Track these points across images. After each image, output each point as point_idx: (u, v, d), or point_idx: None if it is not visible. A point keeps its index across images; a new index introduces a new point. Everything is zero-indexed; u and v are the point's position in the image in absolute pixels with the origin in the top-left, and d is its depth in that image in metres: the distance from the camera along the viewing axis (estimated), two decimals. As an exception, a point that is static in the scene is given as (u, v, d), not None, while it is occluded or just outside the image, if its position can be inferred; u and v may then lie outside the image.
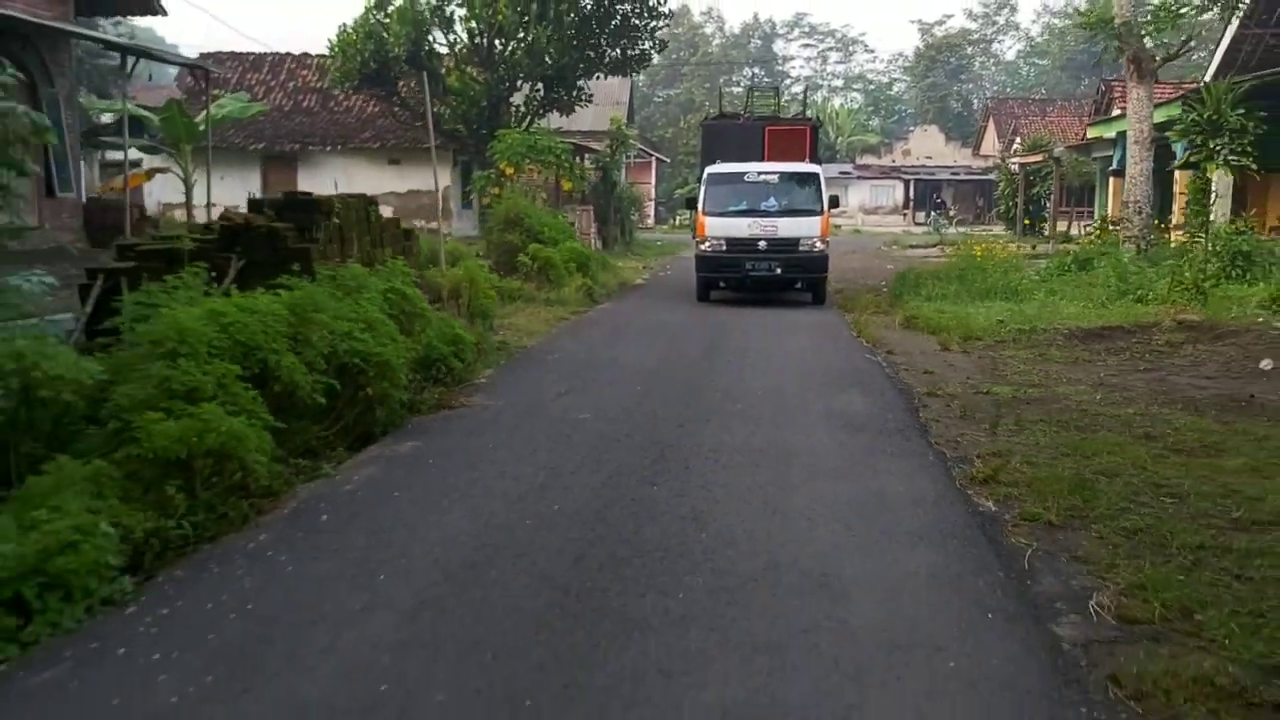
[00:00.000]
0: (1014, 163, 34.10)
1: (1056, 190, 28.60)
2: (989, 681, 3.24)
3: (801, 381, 8.80)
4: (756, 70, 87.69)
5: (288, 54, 29.83)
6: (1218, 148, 13.07)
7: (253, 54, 30.02)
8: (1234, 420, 7.06)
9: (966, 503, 5.15)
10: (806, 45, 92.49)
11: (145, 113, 17.54)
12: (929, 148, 53.79)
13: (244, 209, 8.49)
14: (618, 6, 20.92)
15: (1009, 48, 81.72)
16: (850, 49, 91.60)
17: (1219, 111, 13.17)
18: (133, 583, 3.94)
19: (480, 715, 3.00)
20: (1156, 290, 13.77)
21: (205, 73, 16.78)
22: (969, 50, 77.38)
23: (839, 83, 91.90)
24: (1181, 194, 18.70)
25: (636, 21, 21.59)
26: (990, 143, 49.35)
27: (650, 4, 21.47)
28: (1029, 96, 55.38)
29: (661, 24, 22.42)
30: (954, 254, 19.27)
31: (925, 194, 50.33)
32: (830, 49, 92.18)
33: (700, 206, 15.45)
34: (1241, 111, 13.75)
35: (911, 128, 64.96)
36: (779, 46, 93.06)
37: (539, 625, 3.59)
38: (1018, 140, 41.53)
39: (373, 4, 20.17)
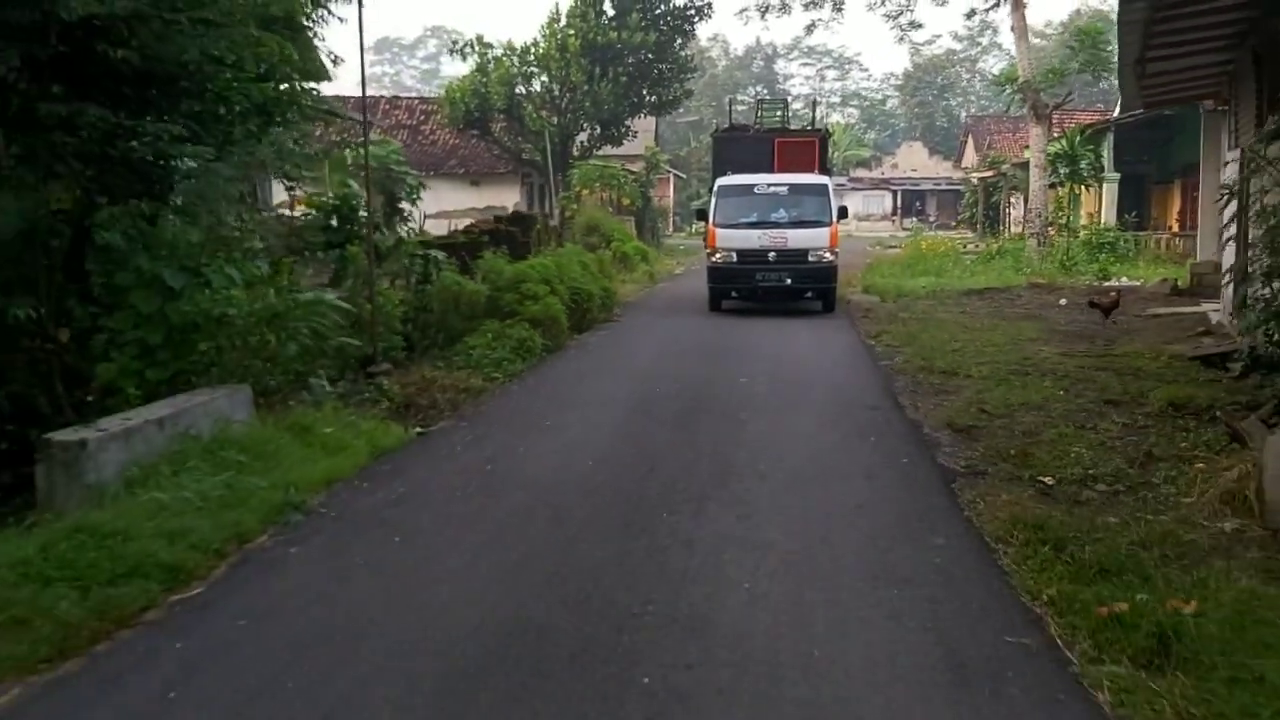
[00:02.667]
0: (975, 177, 40.82)
1: (1005, 199, 35.31)
2: (855, 368, 9.97)
3: (796, 313, 15.57)
4: (760, 88, 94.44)
5: (382, 96, 36.68)
6: (1071, 172, 19.79)
7: (353, 97, 36.86)
8: (1015, 321, 13.72)
9: (863, 343, 11.91)
10: (806, 64, 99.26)
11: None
12: (914, 161, 60.54)
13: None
14: (657, 66, 27.75)
15: (993, 65, 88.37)
16: (846, 68, 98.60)
17: (1073, 147, 19.87)
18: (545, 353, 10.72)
19: (690, 369, 9.74)
20: (1036, 268, 20.50)
21: (369, 123, 23.55)
22: (955, 69, 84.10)
23: (836, 99, 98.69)
24: (1089, 208, 25.46)
25: (670, 76, 28.43)
26: (970, 157, 56.00)
27: (680, 64, 28.36)
28: (1004, 115, 61.96)
29: (689, 77, 29.24)
30: (909, 248, 25.99)
31: (910, 203, 57.07)
32: (828, 68, 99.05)
33: (711, 218, 15.71)
34: (1091, 146, 20.48)
35: (902, 142, 71.76)
36: (780, 66, 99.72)
37: (699, 361, 10.36)
38: (992, 155, 48.16)
39: (476, 69, 27.01)
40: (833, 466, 6.27)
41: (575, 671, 3.44)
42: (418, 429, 7.31)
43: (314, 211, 11.23)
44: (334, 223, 11.00)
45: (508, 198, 32.85)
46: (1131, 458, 6.37)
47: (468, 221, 19.01)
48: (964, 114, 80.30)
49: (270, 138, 9.38)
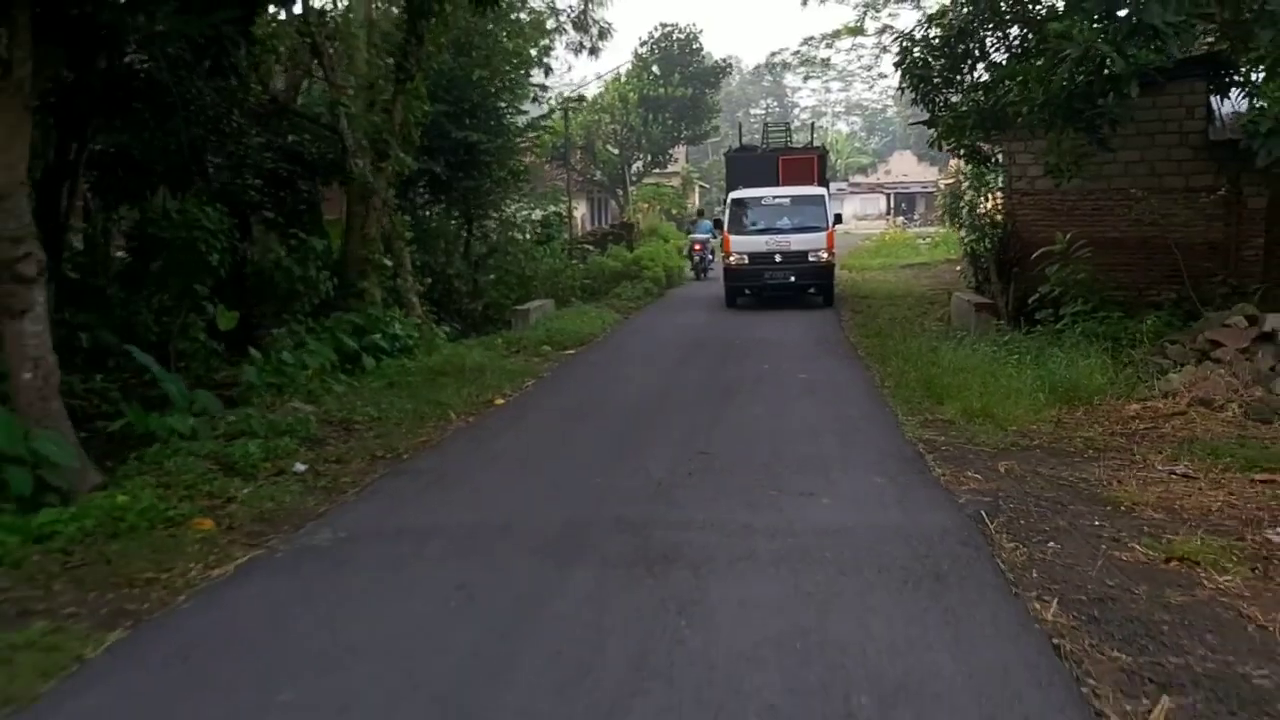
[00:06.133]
0: (943, 182, 50.26)
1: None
2: (824, 319, 19.63)
3: (792, 280, 25.32)
4: (770, 101, 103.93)
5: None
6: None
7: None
8: (919, 279, 23.32)
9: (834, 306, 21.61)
10: (812, 77, 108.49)
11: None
12: (905, 168, 70.00)
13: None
14: (692, 110, 37.51)
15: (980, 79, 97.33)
16: (849, 80, 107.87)
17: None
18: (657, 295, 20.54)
19: (727, 327, 19.46)
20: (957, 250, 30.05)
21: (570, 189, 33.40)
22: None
23: (841, 109, 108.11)
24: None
25: (702, 116, 38.18)
26: (954, 163, 65.35)
27: (710, 107, 38.13)
28: (982, 125, 71.29)
29: (716, 116, 38.97)
30: (877, 239, 35.65)
31: (900, 204, 66.57)
32: (832, 79, 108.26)
33: (725, 227, 18.07)
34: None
35: (896, 149, 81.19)
36: (788, 80, 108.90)
37: (749, 314, 20.09)
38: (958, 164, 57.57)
39: (561, 117, 36.76)
40: (795, 321, 15.96)
41: (711, 355, 13.22)
42: (622, 316, 17.08)
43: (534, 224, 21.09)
44: (542, 230, 20.85)
45: (575, 209, 42.64)
46: (918, 315, 16.02)
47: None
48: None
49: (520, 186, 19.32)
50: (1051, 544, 4.85)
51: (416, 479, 6.52)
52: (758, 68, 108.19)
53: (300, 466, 6.65)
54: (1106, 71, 9.09)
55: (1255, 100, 9.41)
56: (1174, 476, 6.12)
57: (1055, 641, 3.71)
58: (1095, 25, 9.17)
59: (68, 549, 5.02)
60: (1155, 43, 8.89)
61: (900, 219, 61.77)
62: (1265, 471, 6.08)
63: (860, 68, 37.27)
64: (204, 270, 10.46)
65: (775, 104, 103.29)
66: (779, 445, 7.11)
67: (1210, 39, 12.26)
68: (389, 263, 11.98)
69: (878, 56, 38.57)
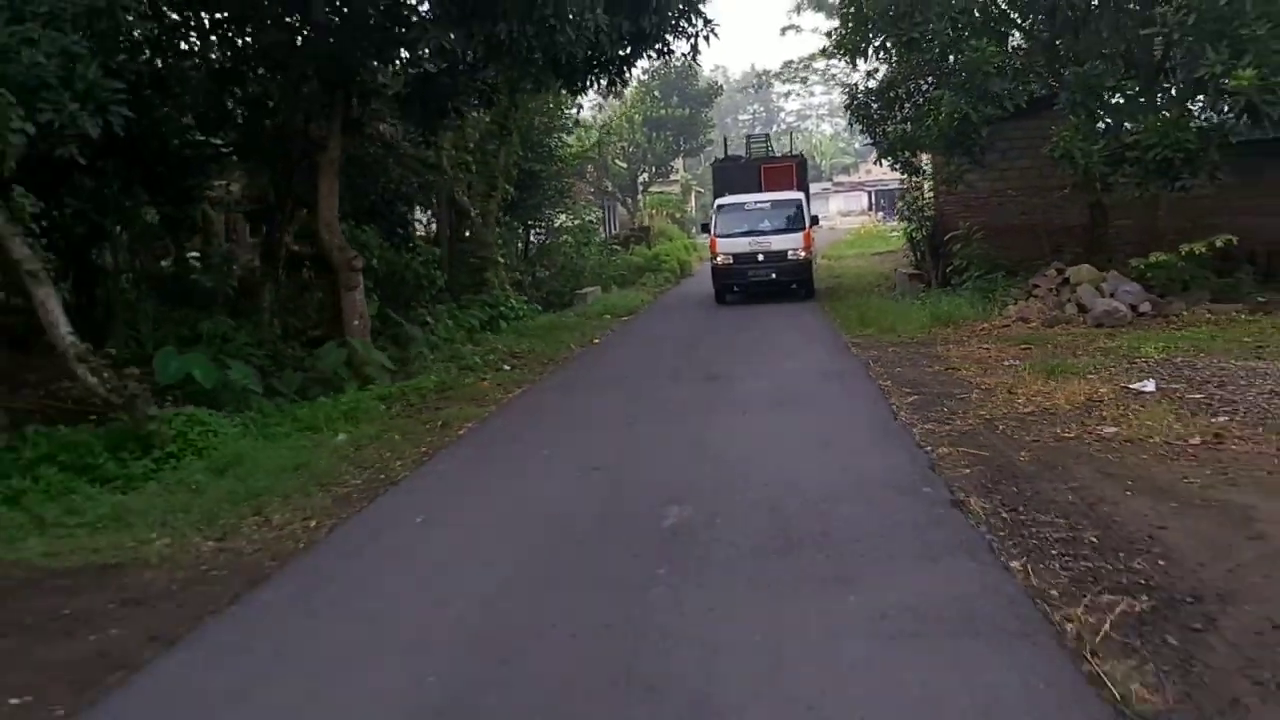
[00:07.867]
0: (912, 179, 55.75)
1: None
2: (802, 303, 25.15)
3: (781, 268, 30.85)
4: (757, 107, 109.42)
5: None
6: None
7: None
8: (884, 262, 28.82)
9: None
10: (797, 81, 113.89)
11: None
12: (884, 167, 75.53)
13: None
14: (689, 127, 43.03)
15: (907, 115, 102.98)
16: (831, 85, 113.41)
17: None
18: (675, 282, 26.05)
19: (733, 300, 24.98)
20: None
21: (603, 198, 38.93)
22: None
23: (825, 111, 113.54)
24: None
25: (698, 131, 43.71)
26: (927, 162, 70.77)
27: (705, 123, 43.67)
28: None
29: (710, 131, 44.49)
30: (853, 232, 41.23)
31: (880, 201, 72.18)
32: (815, 83, 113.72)
33: (713, 230, 19.82)
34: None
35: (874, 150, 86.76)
36: (773, 87, 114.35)
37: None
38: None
39: (575, 145, 42.27)
40: (781, 295, 21.45)
41: (724, 314, 18.73)
42: (653, 297, 22.53)
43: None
44: (582, 234, 26.30)
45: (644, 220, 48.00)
46: (873, 286, 21.49)
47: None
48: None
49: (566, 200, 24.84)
50: (898, 369, 10.32)
51: (574, 370, 12.03)
52: (744, 75, 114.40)
53: (507, 367, 12.12)
54: (969, 119, 14.58)
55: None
56: (980, 349, 11.58)
57: (883, 387, 9.21)
58: (961, 90, 14.64)
59: (428, 395, 10.47)
60: (995, 102, 14.39)
61: (880, 214, 67.36)
62: (1027, 344, 11.56)
63: (837, 83, 42.57)
64: (369, 272, 15.90)
65: (762, 109, 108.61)
66: (771, 347, 12.63)
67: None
68: (502, 259, 17.41)
69: (850, 75, 43.87)
